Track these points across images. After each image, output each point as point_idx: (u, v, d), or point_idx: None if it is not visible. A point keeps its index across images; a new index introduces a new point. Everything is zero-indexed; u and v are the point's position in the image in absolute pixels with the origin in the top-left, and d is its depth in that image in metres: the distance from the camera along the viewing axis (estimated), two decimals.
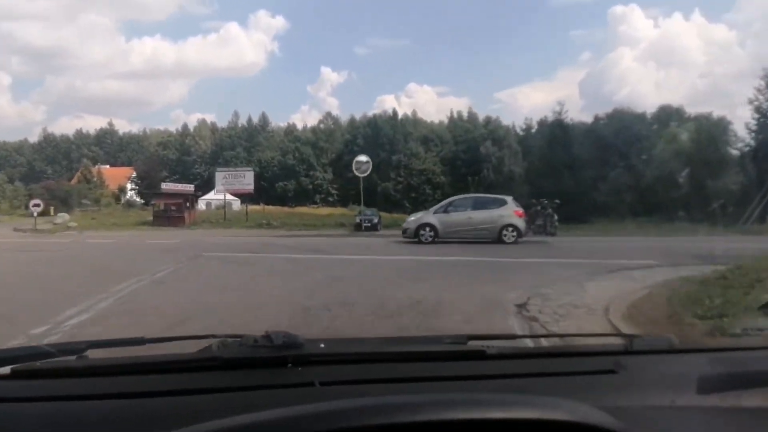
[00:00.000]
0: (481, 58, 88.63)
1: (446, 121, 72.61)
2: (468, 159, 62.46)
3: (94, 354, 1.60)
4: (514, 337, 2.30)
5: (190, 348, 1.60)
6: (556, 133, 38.82)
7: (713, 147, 37.73)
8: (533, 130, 64.06)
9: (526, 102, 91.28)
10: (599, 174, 38.56)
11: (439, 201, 27.15)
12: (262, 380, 1.41)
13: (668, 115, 55.52)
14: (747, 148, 36.30)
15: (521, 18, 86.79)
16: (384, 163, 60.53)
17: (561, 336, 2.90)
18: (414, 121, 71.65)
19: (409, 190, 62.98)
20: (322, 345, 1.62)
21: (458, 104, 71.78)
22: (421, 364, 1.60)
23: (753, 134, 35.16)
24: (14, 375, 1.40)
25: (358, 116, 73.30)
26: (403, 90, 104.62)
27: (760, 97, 36.29)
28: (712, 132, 38.57)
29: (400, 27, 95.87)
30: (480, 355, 1.62)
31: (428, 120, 74.02)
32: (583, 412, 1.03)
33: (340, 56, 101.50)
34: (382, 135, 64.47)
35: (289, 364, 1.46)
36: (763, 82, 35.78)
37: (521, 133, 64.24)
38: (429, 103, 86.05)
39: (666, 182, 37.35)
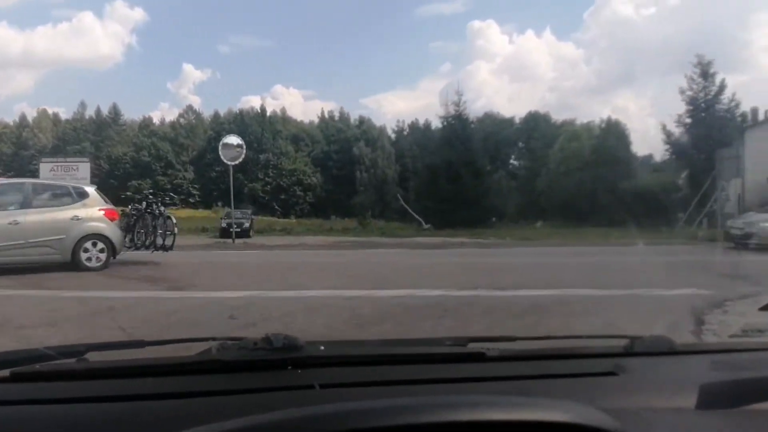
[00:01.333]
0: (348, 64, 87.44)
1: (317, 120, 68.19)
2: (340, 159, 59.34)
3: (93, 357, 1.56)
4: (514, 339, 1.97)
5: (190, 351, 1.59)
6: (445, 133, 34.54)
7: (621, 147, 35.09)
8: (405, 132, 62.21)
9: (390, 109, 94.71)
10: (481, 177, 34.94)
11: (312, 204, 22.84)
12: (262, 383, 1.37)
13: (536, 120, 55.39)
14: (670, 146, 33.38)
15: (386, 27, 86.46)
16: (251, 163, 55.31)
17: (561, 338, 2.46)
18: (283, 119, 66.53)
19: (279, 191, 58.50)
20: (322, 347, 1.60)
21: (325, 108, 69.68)
22: (421, 367, 1.58)
23: (685, 128, 32.51)
24: (14, 378, 1.37)
25: (222, 112, 66.86)
26: (269, 91, 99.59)
27: (694, 86, 32.37)
28: (614, 132, 35.76)
29: (265, 27, 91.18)
30: (480, 357, 1.59)
31: (297, 119, 69.39)
32: (584, 414, 1.01)
33: (203, 53, 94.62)
34: (249, 132, 58.80)
35: (289, 367, 1.43)
36: (697, 70, 32.48)
37: (393, 136, 61.95)
38: (296, 105, 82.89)
39: (566, 186, 34.64)
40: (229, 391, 1.31)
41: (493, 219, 33.99)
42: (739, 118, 30.97)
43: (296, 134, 64.39)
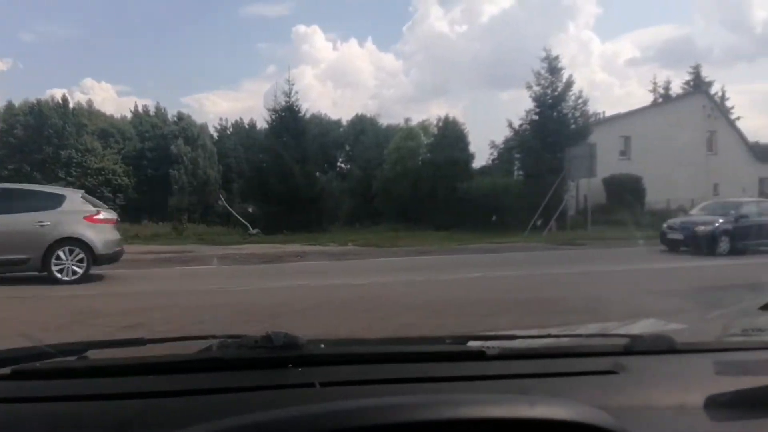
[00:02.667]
0: (167, 61, 79.93)
1: (130, 115, 60.46)
2: (156, 158, 52.35)
3: (94, 354, 1.56)
4: (514, 337, 1.96)
5: (191, 349, 1.57)
6: (275, 127, 29.79)
7: (460, 147, 32.29)
8: (229, 131, 57.29)
9: (213, 109, 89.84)
10: (315, 176, 31.05)
11: (123, 207, 18.30)
12: (263, 381, 1.36)
13: (363, 123, 53.31)
14: (517, 144, 30.27)
15: (208, 24, 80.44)
16: (51, 160, 47.12)
17: (561, 336, 2.41)
18: (90, 113, 58.04)
19: (84, 191, 49.68)
20: (323, 346, 1.61)
21: (141, 104, 62.94)
22: (421, 365, 1.55)
23: (531, 125, 29.57)
24: (14, 375, 1.35)
25: (17, 102, 57.02)
26: (78, 85, 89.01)
27: (542, 82, 29.35)
28: (452, 131, 32.81)
29: (76, 16, 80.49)
30: (480, 356, 1.57)
31: (108, 114, 61.15)
32: (584, 413, 1.00)
33: (2, 41, 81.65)
34: (49, 125, 50.14)
35: (290, 365, 1.42)
36: (544, 65, 29.81)
37: (215, 135, 56.57)
38: (108, 101, 74.14)
39: (402, 186, 31.57)
40: (230, 389, 1.29)
41: (337, 222, 30.58)
42: (590, 118, 29.30)
43: (105, 129, 56.27)
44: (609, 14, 74.20)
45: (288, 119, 29.30)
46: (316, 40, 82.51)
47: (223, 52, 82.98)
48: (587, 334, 2.72)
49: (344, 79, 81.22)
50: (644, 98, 50.82)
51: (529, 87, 28.26)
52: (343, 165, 53.91)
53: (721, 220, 17.54)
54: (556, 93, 27.86)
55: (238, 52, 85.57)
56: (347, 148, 53.86)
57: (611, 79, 75.95)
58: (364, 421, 0.92)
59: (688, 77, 44.97)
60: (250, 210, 29.09)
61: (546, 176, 25.60)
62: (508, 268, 12.83)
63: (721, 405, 1.32)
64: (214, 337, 1.66)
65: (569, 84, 28.00)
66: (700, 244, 17.01)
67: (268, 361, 1.43)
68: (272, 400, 1.20)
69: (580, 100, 28.24)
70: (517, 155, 29.90)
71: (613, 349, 1.72)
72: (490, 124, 75.09)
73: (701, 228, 17.38)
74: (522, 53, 64.68)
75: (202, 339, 1.67)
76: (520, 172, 29.60)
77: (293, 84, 29.79)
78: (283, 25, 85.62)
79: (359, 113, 56.21)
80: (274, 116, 29.88)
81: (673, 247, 17.78)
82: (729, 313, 6.31)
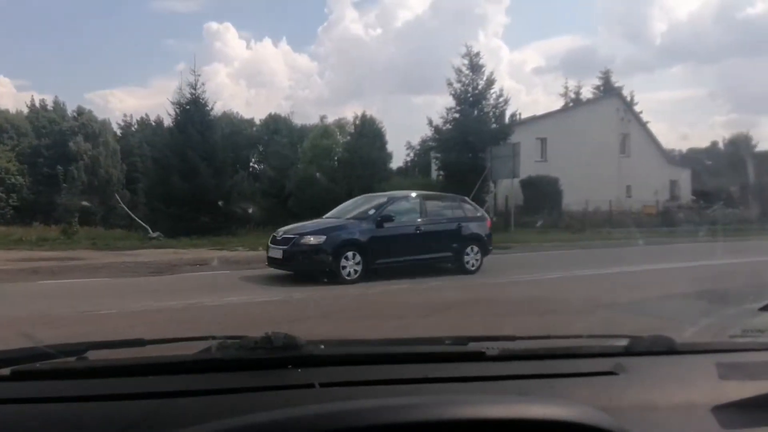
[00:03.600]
0: (71, 55, 74.69)
1: (26, 111, 55.58)
2: (54, 156, 48.21)
3: (93, 355, 1.54)
4: (514, 338, 1.96)
5: (190, 349, 1.55)
6: (179, 121, 26.91)
7: (377, 146, 30.52)
8: (134, 128, 53.80)
9: (119, 106, 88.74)
10: (224, 175, 28.46)
11: (16, 207, 15.34)
12: (262, 382, 1.34)
13: (277, 122, 51.36)
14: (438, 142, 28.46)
15: (115, 19, 75.56)
16: None
17: (562, 337, 2.25)
18: None
19: None
20: (322, 346, 1.59)
21: (39, 99, 58.36)
22: (421, 366, 1.54)
23: (452, 124, 27.76)
24: (14, 376, 1.34)
25: None
26: None
27: (464, 79, 27.41)
28: (369, 129, 30.95)
29: None
30: (480, 357, 1.57)
31: (3, 109, 56.07)
32: (583, 413, 1.00)
33: None
34: None
35: (289, 366, 1.42)
36: (465, 61, 27.54)
37: (119, 132, 52.94)
38: (6, 96, 68.59)
39: (317, 186, 29.62)
40: (229, 389, 1.28)
41: (249, 225, 28.18)
42: (512, 118, 27.96)
43: None
44: (517, 24, 76.65)
45: (193, 113, 26.58)
46: (229, 38, 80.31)
47: (131, 47, 78.87)
48: (587, 335, 2.56)
49: (258, 78, 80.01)
50: (549, 106, 51.33)
51: (450, 84, 26.85)
52: (256, 165, 52.04)
53: (348, 227, 11.66)
54: (477, 91, 26.55)
55: (147, 48, 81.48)
56: (260, 148, 51.86)
57: (519, 86, 77.60)
58: (364, 422, 0.91)
59: (597, 82, 45.30)
60: (152, 211, 26.28)
61: (467, 176, 24.26)
62: (437, 281, 11.13)
63: (720, 405, 1.31)
64: (213, 338, 1.65)
65: (490, 82, 26.81)
66: (307, 265, 11.15)
67: (267, 362, 1.41)
68: (272, 401, 1.20)
69: (501, 99, 27.10)
70: (437, 155, 28.25)
71: (612, 350, 1.73)
72: (405, 128, 74.80)
73: (309, 240, 11.22)
74: (435, 59, 65.44)
75: (201, 340, 1.66)
76: (441, 173, 28.05)
77: (199, 75, 27.07)
78: (194, 21, 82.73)
79: (273, 112, 54.12)
80: (178, 110, 27.09)
81: (278, 266, 11.56)
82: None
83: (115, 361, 1.52)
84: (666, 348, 1.71)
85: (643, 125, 36.89)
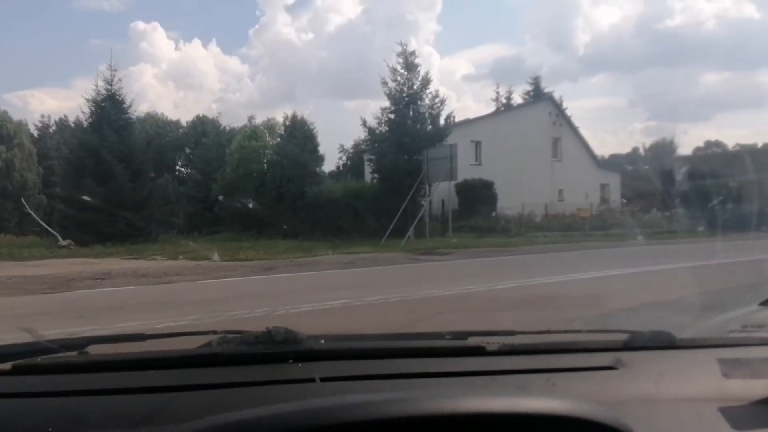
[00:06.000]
0: None
1: None
2: None
3: (94, 350, 1.53)
4: (514, 333, 1.87)
5: (191, 344, 1.56)
6: (95, 120, 24.35)
7: (308, 148, 28.68)
8: (52, 130, 50.32)
9: (39, 107, 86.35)
10: (143, 178, 26.14)
11: None
12: (263, 376, 1.33)
13: (204, 124, 48.97)
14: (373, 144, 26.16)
15: (37, 16, 71.23)
16: None
17: (561, 332, 2.35)
18: None
19: None
20: (323, 341, 1.58)
21: None
22: (421, 360, 1.53)
23: (387, 125, 25.55)
24: (15, 371, 1.33)
25: None
26: None
27: (399, 78, 25.08)
28: (301, 131, 28.97)
29: None
30: (480, 351, 1.56)
31: None
32: (583, 408, 0.98)
33: None
34: None
35: (290, 360, 1.40)
36: (400, 60, 25.27)
37: (36, 134, 49.40)
38: None
39: (245, 191, 27.67)
40: (230, 384, 1.26)
41: (173, 231, 26.12)
42: (448, 119, 26.39)
43: None
44: (447, 32, 76.02)
45: (110, 111, 24.13)
46: (156, 38, 77.30)
47: (54, 46, 74.27)
48: (586, 330, 2.49)
49: (187, 80, 77.51)
50: (479, 112, 50.90)
51: (384, 83, 25.03)
52: (183, 169, 49.45)
53: None
54: (412, 91, 24.85)
55: (71, 48, 76.95)
56: (187, 150, 49.20)
57: (450, 92, 77.29)
58: (364, 416, 0.90)
59: (528, 88, 44.94)
60: (64, 217, 23.71)
61: (403, 179, 22.78)
62: (374, 291, 9.60)
63: (719, 400, 1.32)
64: (214, 332, 1.61)
65: (426, 82, 25.14)
66: None
67: (268, 357, 1.40)
68: (272, 395, 1.20)
69: (437, 100, 25.42)
70: (371, 157, 26.53)
71: (612, 345, 1.70)
72: (337, 133, 73.13)
73: None
74: (368, 64, 64.59)
75: (202, 334, 1.64)
76: (375, 176, 26.48)
77: (116, 70, 24.64)
78: (120, 20, 78.61)
79: (201, 114, 51.54)
80: (93, 108, 24.60)
81: None
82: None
83: (116, 356, 1.48)
84: (665, 343, 1.70)
85: (574, 129, 36.50)
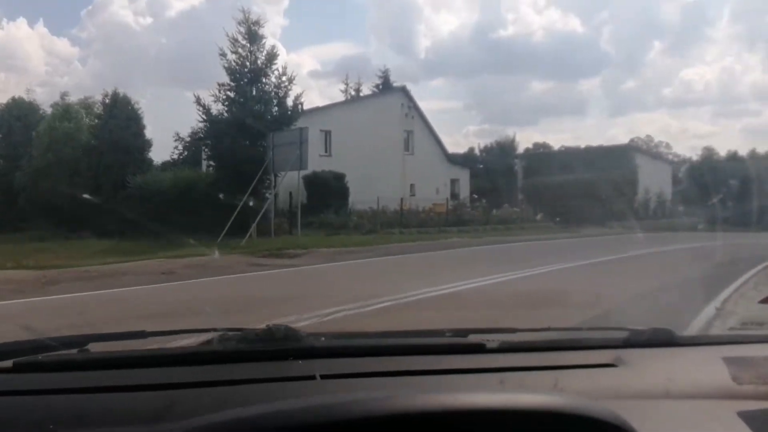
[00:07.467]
0: None
1: None
2: None
3: (95, 347, 1.48)
4: (515, 330, 1.86)
5: (192, 341, 1.56)
6: None
7: (134, 131, 23.92)
8: None
9: None
10: None
11: None
12: (264, 373, 1.32)
13: (21, 107, 41.99)
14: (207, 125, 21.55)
15: None
16: None
17: (562, 330, 2.26)
18: None
19: None
20: (323, 338, 1.57)
21: None
22: (421, 358, 1.51)
23: (225, 104, 20.98)
24: (16, 368, 1.31)
25: None
26: None
27: (240, 50, 20.82)
28: (124, 111, 23.99)
29: None
30: (480, 349, 1.53)
31: None
32: (583, 405, 0.96)
33: None
34: None
35: (290, 358, 1.38)
36: (242, 29, 20.85)
37: None
38: None
39: (55, 181, 22.69)
40: (231, 381, 1.25)
41: None
42: (297, 101, 22.51)
43: None
44: (294, 27, 73.19)
45: None
46: None
47: None
48: (587, 328, 2.51)
49: (8, 62, 67.04)
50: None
51: (223, 55, 20.80)
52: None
53: None
54: (255, 66, 20.89)
55: None
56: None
57: (296, 88, 74.05)
58: (364, 413, 0.89)
59: (377, 81, 42.84)
60: None
61: (244, 168, 19.10)
62: (184, 320, 6.35)
63: (719, 397, 1.31)
64: (215, 330, 1.61)
65: (272, 56, 21.22)
66: None
67: (268, 354, 1.39)
68: (273, 393, 1.18)
69: (284, 78, 21.44)
70: (207, 142, 22.22)
71: (612, 342, 1.68)
72: (177, 124, 66.96)
73: None
74: (210, 53, 58.89)
75: (203, 332, 1.62)
76: (211, 164, 22.48)
77: None
78: None
79: (17, 96, 44.02)
80: None
81: None
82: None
83: (117, 353, 1.46)
84: (665, 340, 1.68)
85: (426, 122, 34.79)
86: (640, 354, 1.56)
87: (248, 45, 20.60)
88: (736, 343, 1.81)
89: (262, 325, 1.42)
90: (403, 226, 24.61)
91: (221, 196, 17.99)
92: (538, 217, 31.58)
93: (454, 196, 33.49)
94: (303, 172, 21.93)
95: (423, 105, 34.59)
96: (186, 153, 34.73)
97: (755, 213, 26.18)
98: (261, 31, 21.09)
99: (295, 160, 18.39)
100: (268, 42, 21.67)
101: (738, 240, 20.24)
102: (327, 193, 24.57)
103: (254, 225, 18.16)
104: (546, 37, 79.09)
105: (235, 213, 17.71)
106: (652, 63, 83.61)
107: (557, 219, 29.73)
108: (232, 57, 20.75)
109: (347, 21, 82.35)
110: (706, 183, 29.37)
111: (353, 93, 43.32)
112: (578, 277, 11.27)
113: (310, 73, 76.08)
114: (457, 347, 1.57)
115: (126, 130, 23.53)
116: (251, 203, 18.53)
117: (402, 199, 26.42)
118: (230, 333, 1.54)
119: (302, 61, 74.66)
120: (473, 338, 1.62)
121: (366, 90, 42.28)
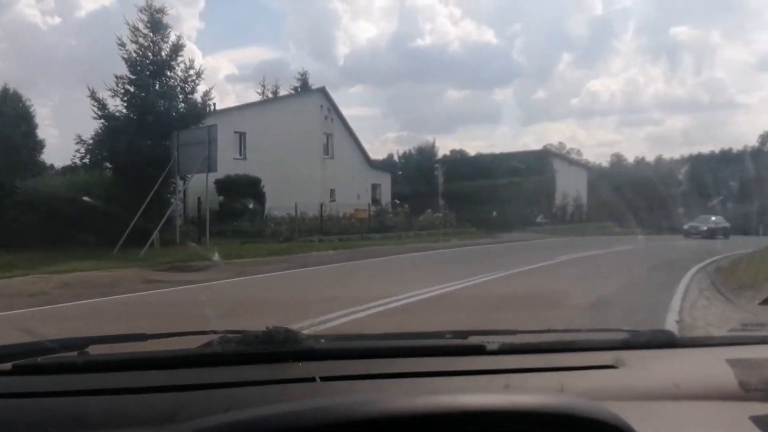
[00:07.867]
0: None
1: None
2: None
3: (95, 350, 1.48)
4: (515, 332, 1.81)
5: (192, 344, 1.51)
6: None
7: (24, 130, 21.25)
8: None
9: None
10: None
11: None
12: (264, 375, 1.31)
13: None
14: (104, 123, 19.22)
15: None
16: None
17: (562, 331, 2.26)
18: None
19: None
20: (323, 340, 1.58)
21: None
22: (421, 359, 1.50)
23: (123, 99, 18.67)
24: (16, 371, 1.29)
25: None
26: None
27: (141, 40, 18.83)
28: (14, 108, 21.27)
29: None
30: (480, 350, 1.52)
31: None
32: (583, 406, 0.96)
33: None
34: None
35: (290, 360, 1.38)
36: (143, 16, 18.87)
37: None
38: None
39: None
40: (231, 383, 1.24)
41: None
42: (207, 98, 20.53)
43: None
44: (210, 30, 70.82)
45: None
46: None
47: None
48: (587, 329, 2.47)
49: None
50: None
51: (122, 45, 18.69)
52: None
53: None
54: (159, 57, 18.94)
55: None
56: None
57: (205, 84, 71.41)
58: (364, 415, 0.89)
59: (296, 84, 41.29)
60: None
61: (145, 170, 17.18)
62: None
63: (719, 398, 1.29)
64: (215, 332, 1.56)
65: (177, 48, 19.31)
66: None
67: (268, 356, 1.38)
68: (273, 395, 1.18)
69: (192, 72, 19.61)
70: (101, 141, 19.82)
71: (612, 344, 1.67)
72: (84, 127, 62.57)
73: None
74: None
75: (203, 334, 1.58)
76: (108, 165, 20.27)
77: None
78: None
79: None
80: None
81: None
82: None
83: (117, 356, 1.45)
84: (666, 342, 1.69)
85: (346, 125, 33.50)
86: (641, 355, 1.55)
87: (151, 35, 18.63)
88: (738, 345, 1.79)
89: (263, 328, 1.39)
90: (323, 233, 23.20)
91: (121, 201, 16.09)
92: (462, 222, 31.05)
93: (375, 201, 32.37)
94: (215, 176, 20.22)
95: (342, 112, 33.32)
96: (89, 156, 31.98)
97: (668, 217, 26.99)
98: (165, 20, 19.18)
99: (203, 162, 16.63)
100: (189, 45, 19.82)
101: (657, 243, 20.41)
102: (241, 198, 22.88)
103: (156, 233, 16.25)
104: (461, 48, 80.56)
105: (134, 220, 15.79)
106: (561, 74, 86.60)
107: (479, 225, 29.34)
108: (132, 47, 18.72)
109: (265, 25, 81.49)
110: (620, 187, 29.82)
111: (270, 96, 41.54)
112: (517, 285, 10.41)
113: (227, 77, 73.80)
114: (458, 349, 1.58)
115: (15, 129, 20.95)
116: (154, 210, 16.67)
117: (322, 205, 24.98)
118: (230, 335, 1.49)
119: (219, 64, 72.31)
120: (473, 340, 1.61)
121: (284, 92, 40.66)
